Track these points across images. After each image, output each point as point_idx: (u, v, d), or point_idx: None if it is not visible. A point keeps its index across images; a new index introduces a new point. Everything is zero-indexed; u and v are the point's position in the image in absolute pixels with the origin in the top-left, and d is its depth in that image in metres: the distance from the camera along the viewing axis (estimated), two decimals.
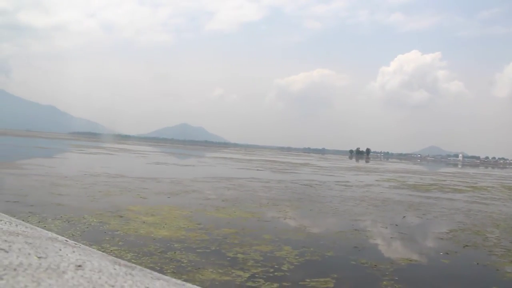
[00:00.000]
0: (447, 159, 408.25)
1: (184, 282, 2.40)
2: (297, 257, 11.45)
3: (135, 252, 10.63)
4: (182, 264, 9.98)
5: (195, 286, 2.58)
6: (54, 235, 2.63)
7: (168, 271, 9.36)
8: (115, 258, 2.26)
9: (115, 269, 2.14)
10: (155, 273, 2.16)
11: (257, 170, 50.96)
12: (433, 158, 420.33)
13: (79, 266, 2.08)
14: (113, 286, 1.93)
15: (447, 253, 13.26)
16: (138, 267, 2.21)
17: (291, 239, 13.64)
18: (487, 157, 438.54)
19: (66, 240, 2.59)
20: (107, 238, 11.86)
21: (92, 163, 46.30)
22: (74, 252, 2.27)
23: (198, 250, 11.33)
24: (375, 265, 11.21)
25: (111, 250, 10.56)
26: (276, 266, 10.38)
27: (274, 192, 26.62)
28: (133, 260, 9.85)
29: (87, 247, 2.60)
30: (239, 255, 11.16)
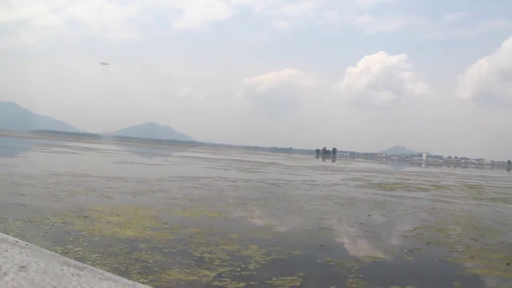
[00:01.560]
0: (412, 159, 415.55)
1: (135, 282, 2.35)
2: (263, 256, 11.47)
3: (99, 252, 10.46)
4: (148, 265, 9.87)
5: (146, 286, 2.54)
6: (4, 236, 2.54)
7: (134, 271, 9.25)
8: (66, 259, 2.20)
9: (62, 270, 2.08)
10: (106, 273, 2.11)
11: (224, 169, 50.88)
12: (398, 158, 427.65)
13: (23, 267, 2.01)
14: (55, 287, 1.88)
15: (411, 251, 13.50)
16: (89, 267, 2.16)
17: (257, 238, 13.66)
18: (449, 157, 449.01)
19: (16, 241, 2.50)
20: (71, 239, 11.63)
21: (56, 162, 45.33)
22: (21, 253, 2.20)
23: (164, 250, 11.24)
24: (341, 263, 11.33)
25: (75, 251, 10.39)
26: (242, 265, 10.37)
27: (241, 191, 26.62)
28: (98, 261, 9.71)
29: (39, 247, 2.52)
30: (205, 255, 11.11)
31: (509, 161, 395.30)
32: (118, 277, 2.20)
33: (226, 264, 10.40)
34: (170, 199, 20.96)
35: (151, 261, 10.13)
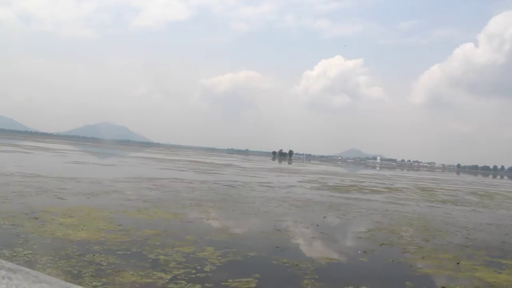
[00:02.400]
0: (366, 162, 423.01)
1: (71, 284, 2.29)
2: (219, 257, 11.43)
3: (51, 255, 10.16)
4: (102, 267, 9.67)
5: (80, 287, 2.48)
6: None
7: (87, 274, 9.05)
8: (1, 261, 2.12)
9: None
10: (42, 276, 2.04)
11: (180, 170, 50.48)
12: (353, 160, 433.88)
13: None
14: None
15: (365, 252, 13.75)
16: (26, 269, 2.08)
17: (213, 240, 13.61)
18: (403, 160, 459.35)
19: None
20: (20, 242, 11.24)
21: (5, 162, 43.82)
22: None
23: (118, 252, 11.04)
24: (297, 265, 11.41)
25: (25, 254, 10.06)
26: (198, 267, 10.31)
27: (197, 193, 26.46)
28: (49, 264, 9.46)
29: None
30: (161, 257, 10.98)
31: (458, 165, 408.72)
32: (54, 279, 2.13)
33: (181, 266, 10.31)
34: (124, 200, 20.62)
35: (104, 264, 9.94)
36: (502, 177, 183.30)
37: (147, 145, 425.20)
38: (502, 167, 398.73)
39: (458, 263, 12.95)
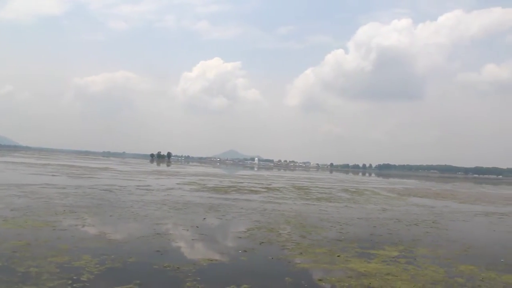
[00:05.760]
0: (245, 162, 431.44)
1: None
2: (97, 265, 10.99)
3: None
4: None
5: None
6: None
7: None
8: None
9: None
10: None
11: (52, 175, 47.68)
12: (231, 162, 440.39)
13: None
14: None
15: (245, 251, 14.00)
16: None
17: (90, 247, 13.06)
18: (279, 160, 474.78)
19: None
20: None
21: None
22: None
23: None
24: (178, 268, 11.31)
25: None
26: (74, 277, 9.82)
27: (71, 199, 25.16)
28: None
29: None
30: (32, 269, 10.29)
31: (331, 164, 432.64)
32: None
33: (55, 277, 9.75)
34: None
35: None
36: (370, 175, 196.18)
37: (14, 148, 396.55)
38: (370, 165, 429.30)
39: (338, 256, 13.75)
